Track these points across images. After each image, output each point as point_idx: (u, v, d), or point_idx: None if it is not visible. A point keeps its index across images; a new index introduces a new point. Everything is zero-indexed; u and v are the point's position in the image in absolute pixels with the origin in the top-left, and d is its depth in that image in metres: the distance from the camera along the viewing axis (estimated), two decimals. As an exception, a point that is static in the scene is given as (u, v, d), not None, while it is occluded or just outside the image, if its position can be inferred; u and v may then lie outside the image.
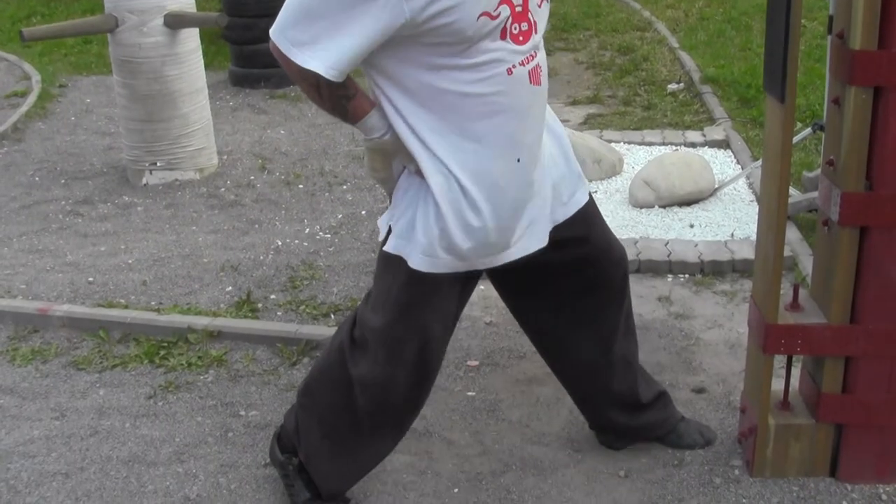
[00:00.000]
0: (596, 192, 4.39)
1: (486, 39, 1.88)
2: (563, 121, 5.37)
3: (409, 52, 1.89)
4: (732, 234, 3.90)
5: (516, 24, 1.91)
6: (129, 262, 4.03)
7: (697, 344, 3.18)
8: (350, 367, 2.22)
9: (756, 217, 2.55)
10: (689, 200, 4.19)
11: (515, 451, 2.67)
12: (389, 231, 2.10)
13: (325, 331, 3.28)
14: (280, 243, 4.14)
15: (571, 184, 2.25)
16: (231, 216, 4.50)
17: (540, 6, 1.97)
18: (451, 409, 2.87)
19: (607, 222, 2.41)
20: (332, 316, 3.47)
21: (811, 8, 7.07)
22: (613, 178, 4.56)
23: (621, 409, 2.54)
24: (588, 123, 5.48)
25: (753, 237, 3.71)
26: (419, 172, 2.01)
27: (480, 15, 1.83)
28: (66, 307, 3.56)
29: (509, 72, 1.93)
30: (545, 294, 2.38)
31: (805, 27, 6.69)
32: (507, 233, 2.08)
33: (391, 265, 2.10)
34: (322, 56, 1.85)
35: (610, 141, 4.98)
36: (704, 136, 5.03)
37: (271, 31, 1.90)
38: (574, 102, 5.94)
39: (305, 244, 4.13)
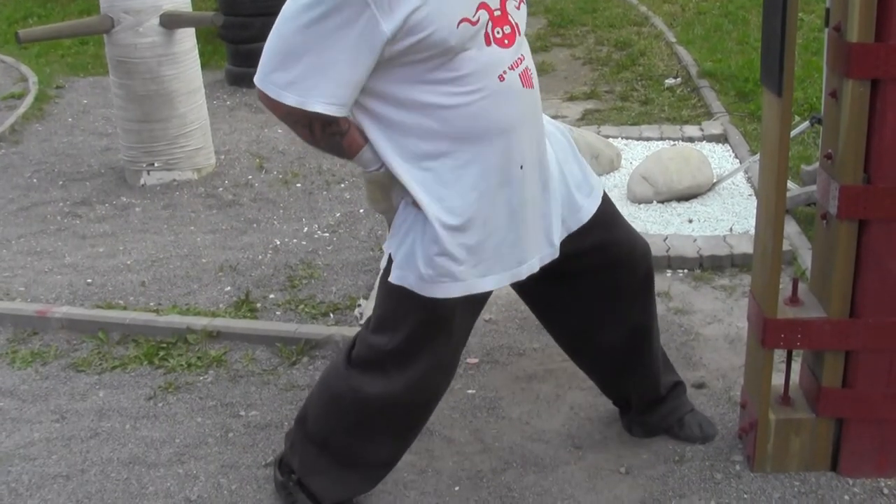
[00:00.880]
0: (594, 187, 4.38)
1: (473, 49, 1.86)
2: (560, 117, 5.41)
3: (396, 72, 1.86)
4: (731, 229, 3.89)
5: (498, 28, 1.90)
6: (128, 262, 4.02)
7: (697, 339, 3.17)
8: (366, 389, 2.19)
9: (755, 211, 2.54)
10: (688, 195, 4.19)
11: (516, 449, 2.67)
12: (391, 260, 2.08)
13: (324, 330, 3.28)
14: (278, 242, 4.14)
15: (583, 191, 2.23)
16: (229, 216, 4.49)
17: (518, 8, 1.96)
18: (451, 407, 2.87)
19: None
20: (332, 315, 3.46)
21: (808, 0, 7.05)
22: (611, 173, 4.55)
23: (641, 397, 2.59)
24: (585, 119, 5.47)
25: (752, 231, 3.70)
26: (416, 204, 1.99)
27: (461, 22, 1.82)
28: (64, 309, 3.55)
29: (501, 78, 1.92)
30: (571, 302, 2.39)
31: (802, 20, 6.69)
32: (512, 249, 2.07)
33: (395, 293, 2.09)
34: (315, 94, 1.83)
35: (607, 136, 4.98)
36: (702, 130, 5.02)
37: (255, 80, 1.87)
38: (571, 98, 5.93)
39: (304, 243, 4.12)
